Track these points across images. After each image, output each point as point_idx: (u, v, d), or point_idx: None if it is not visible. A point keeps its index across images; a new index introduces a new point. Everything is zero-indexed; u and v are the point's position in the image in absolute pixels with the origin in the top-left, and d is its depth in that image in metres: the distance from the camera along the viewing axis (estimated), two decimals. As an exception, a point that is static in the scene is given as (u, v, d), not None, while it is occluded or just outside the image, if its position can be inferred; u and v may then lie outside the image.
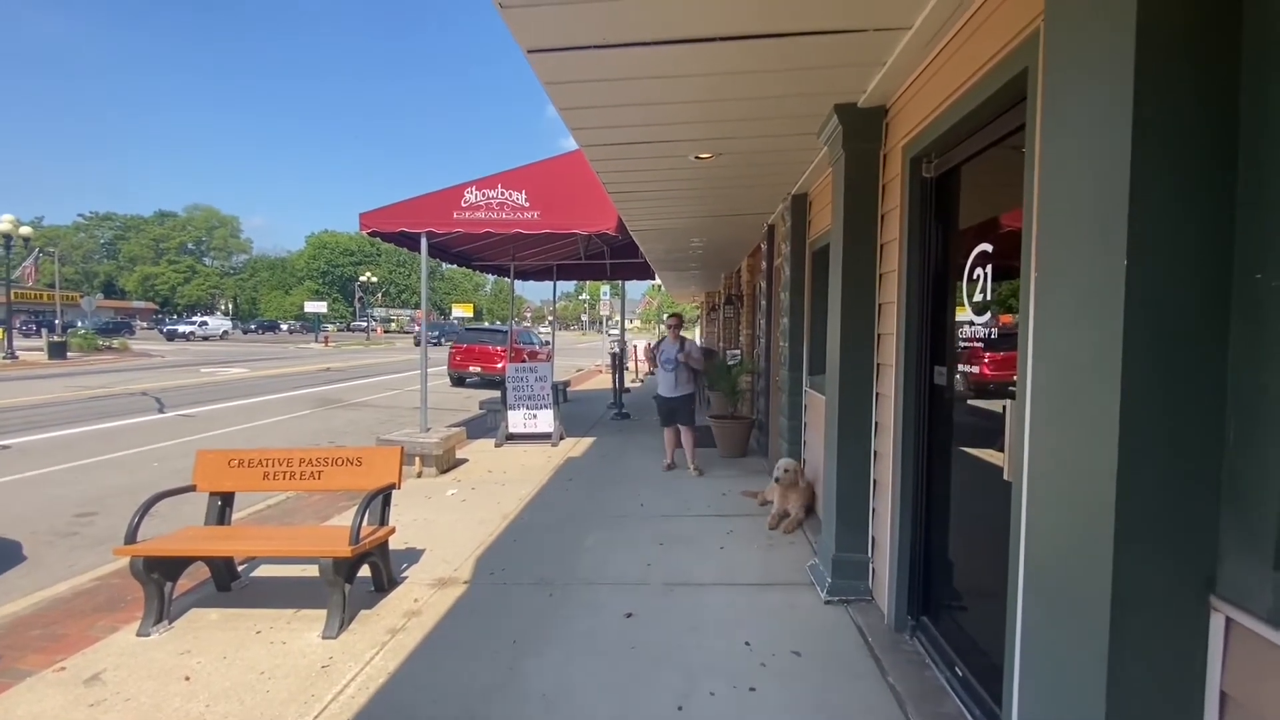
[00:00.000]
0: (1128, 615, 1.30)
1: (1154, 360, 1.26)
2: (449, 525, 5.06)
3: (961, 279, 2.71)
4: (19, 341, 25.51)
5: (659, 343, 7.08)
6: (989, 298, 2.50)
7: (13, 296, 24.38)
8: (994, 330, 2.50)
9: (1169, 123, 1.24)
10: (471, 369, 16.87)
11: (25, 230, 22.28)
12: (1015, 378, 2.09)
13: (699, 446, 6.96)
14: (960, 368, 2.78)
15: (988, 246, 2.53)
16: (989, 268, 2.51)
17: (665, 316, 7.48)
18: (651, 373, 7.36)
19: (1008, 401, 2.12)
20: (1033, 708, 1.64)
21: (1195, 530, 1.29)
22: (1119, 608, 1.29)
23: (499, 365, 15.59)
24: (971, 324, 2.64)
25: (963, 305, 2.72)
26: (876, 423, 3.54)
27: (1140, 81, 1.23)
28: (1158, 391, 1.27)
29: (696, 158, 4.36)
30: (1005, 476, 2.12)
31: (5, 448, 8.43)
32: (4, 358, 21.56)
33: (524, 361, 11.57)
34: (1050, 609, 1.54)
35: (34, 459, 7.77)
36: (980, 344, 2.59)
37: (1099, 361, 1.33)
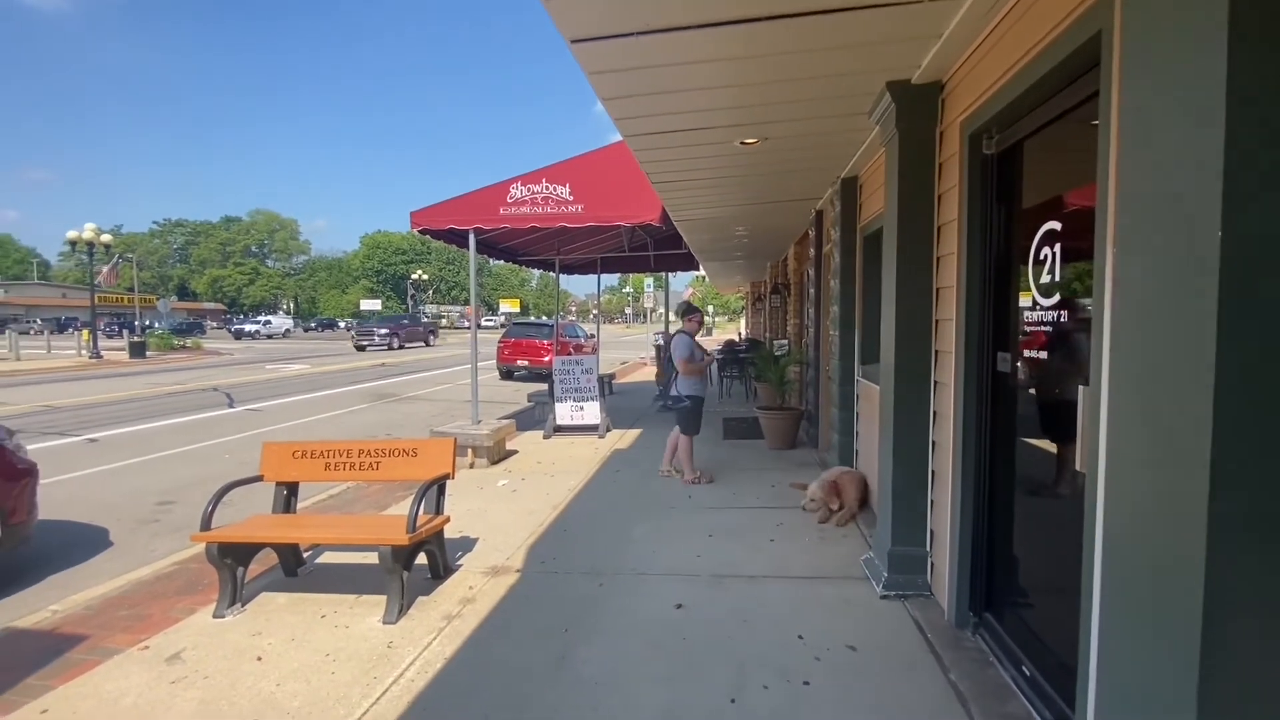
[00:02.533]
0: (1222, 614, 1.20)
1: (1252, 342, 1.16)
2: (501, 515, 5.16)
3: (1027, 261, 2.57)
4: (102, 342, 27.28)
5: (672, 336, 6.37)
6: (1057, 279, 2.37)
7: (96, 300, 26.06)
8: (1063, 314, 2.37)
9: (1270, 76, 1.13)
10: (519, 362, 17.15)
11: (106, 238, 23.78)
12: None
13: (735, 439, 6.52)
14: (1026, 353, 2.65)
15: (1056, 225, 2.39)
16: (1057, 248, 2.37)
17: (685, 310, 6.56)
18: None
19: (1080, 388, 2.00)
20: (1113, 710, 1.54)
21: (1300, 524, 1.18)
22: (1212, 606, 1.20)
23: (545, 359, 15.79)
24: (1039, 307, 2.50)
25: (1028, 288, 2.58)
26: (935, 412, 3.42)
27: (1235, 32, 1.12)
28: (1256, 376, 1.16)
29: (742, 143, 4.28)
30: (1078, 467, 2.01)
31: (93, 440, 9.04)
32: (90, 357, 23.13)
33: (570, 355, 11.69)
34: (1133, 608, 1.44)
35: (118, 451, 8.30)
36: (1048, 328, 2.45)
37: (1190, 344, 1.23)
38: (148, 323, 37.94)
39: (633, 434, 8.68)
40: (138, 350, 24.84)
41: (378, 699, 2.68)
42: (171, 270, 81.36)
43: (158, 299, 41.13)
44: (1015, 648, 2.71)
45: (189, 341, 31.97)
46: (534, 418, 9.77)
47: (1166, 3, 1.32)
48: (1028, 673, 2.57)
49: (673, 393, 6.07)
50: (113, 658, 3.06)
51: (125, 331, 31.52)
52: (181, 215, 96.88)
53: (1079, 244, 2.24)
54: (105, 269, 28.72)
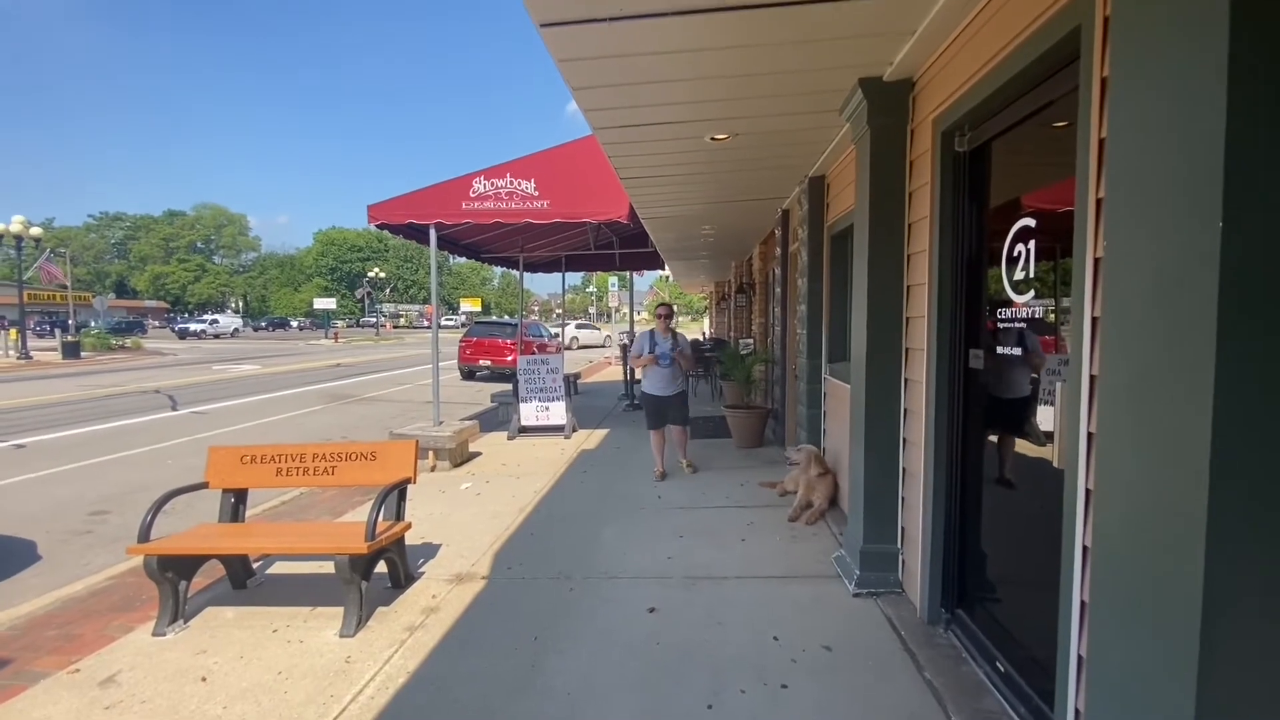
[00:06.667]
0: (1220, 612, 1.18)
1: (1253, 335, 1.14)
2: (465, 520, 4.99)
3: (1000, 258, 2.58)
4: (33, 342, 25.75)
5: (649, 335, 6.20)
6: (1032, 276, 2.37)
7: (26, 298, 24.54)
8: (1037, 310, 2.38)
9: (1272, 57, 1.10)
10: (481, 362, 16.83)
11: (36, 231, 22.42)
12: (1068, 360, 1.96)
13: (703, 438, 6.65)
14: (1000, 350, 2.65)
15: (1030, 222, 2.39)
16: (1032, 245, 2.37)
17: (656, 307, 6.43)
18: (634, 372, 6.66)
19: (1059, 385, 2.00)
20: (1103, 708, 1.52)
21: (1295, 520, 1.17)
22: (1211, 604, 1.18)
23: (509, 358, 15.53)
24: (1013, 304, 2.51)
25: (1002, 286, 2.58)
26: (906, 409, 3.42)
27: (1236, 10, 1.10)
28: (1257, 371, 1.15)
29: (712, 139, 4.23)
30: (1056, 464, 2.00)
31: (20, 447, 8.45)
32: (19, 358, 21.75)
33: (534, 354, 11.51)
34: (1124, 606, 1.43)
35: (48, 458, 7.78)
36: (1023, 325, 2.46)
37: (1188, 340, 1.21)
38: (83, 321, 35.91)
39: (600, 434, 8.57)
40: (71, 350, 23.51)
41: (335, 719, 2.52)
42: (109, 266, 77.16)
43: (94, 296, 38.91)
44: (988, 644, 2.72)
45: (128, 341, 30.35)
46: (498, 418, 9.56)
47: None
48: (1001, 669, 2.57)
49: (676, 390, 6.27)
50: (40, 682, 2.81)
51: (58, 330, 29.76)
52: (120, 209, 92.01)
53: (1055, 241, 2.25)
54: (44, 263, 27.02)
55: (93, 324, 35.05)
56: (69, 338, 24.55)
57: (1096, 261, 1.69)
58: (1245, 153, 1.12)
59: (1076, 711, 1.82)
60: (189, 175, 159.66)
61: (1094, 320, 1.72)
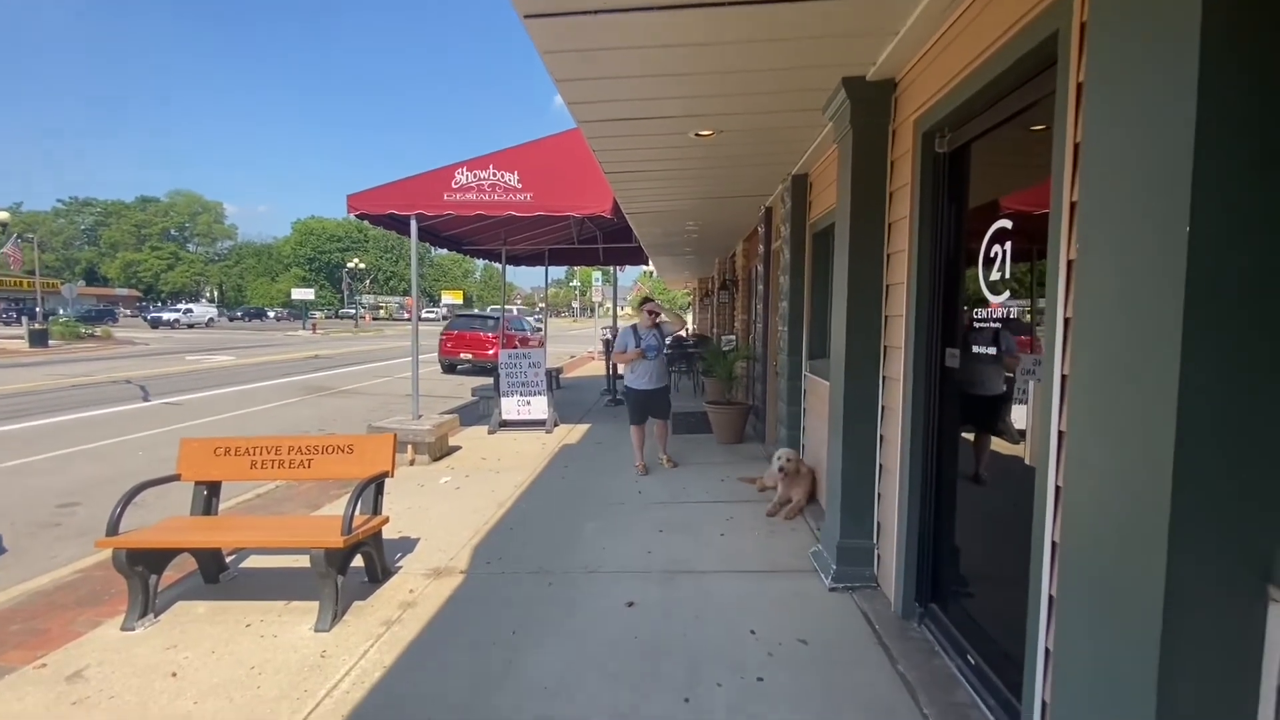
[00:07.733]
0: (1181, 607, 1.22)
1: (1217, 338, 1.17)
2: (443, 514, 4.96)
3: (977, 258, 2.61)
4: (-2, 329, 25.00)
5: (632, 330, 6.22)
6: (1007, 277, 2.41)
7: (-9, 283, 23.83)
8: (1012, 310, 2.42)
9: (1241, 69, 1.13)
10: (463, 355, 16.70)
11: (2, 216, 21.78)
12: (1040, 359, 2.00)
13: (684, 433, 6.65)
14: (975, 349, 2.69)
15: (1006, 224, 2.43)
16: (1008, 246, 2.41)
17: (641, 302, 6.52)
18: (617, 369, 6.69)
19: (1031, 384, 2.04)
20: (1069, 699, 1.56)
21: (1254, 520, 1.21)
22: (1172, 600, 1.21)
23: (490, 352, 15.43)
24: (988, 304, 2.55)
25: (978, 286, 2.62)
26: (883, 407, 3.46)
27: (1208, 24, 1.13)
28: (1220, 372, 1.18)
29: (697, 135, 4.23)
30: (1027, 461, 2.04)
31: (-16, 437, 8.22)
32: (-17, 346, 21.13)
33: (516, 348, 11.45)
34: (1089, 600, 1.46)
35: (14, 448, 7.57)
36: (998, 324, 2.50)
37: (1155, 341, 1.24)
38: (51, 309, 34.94)
39: (581, 429, 8.56)
40: (39, 339, 22.88)
41: (309, 714, 2.49)
42: (79, 253, 75.02)
43: (62, 283, 37.84)
44: (960, 637, 2.77)
45: (98, 330, 29.57)
46: (478, 412, 9.51)
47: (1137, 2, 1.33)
48: (973, 662, 2.62)
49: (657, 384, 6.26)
50: (4, 677, 2.75)
51: (25, 318, 28.93)
52: (91, 194, 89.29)
53: (1030, 243, 2.28)
54: (10, 248, 26.26)
55: (61, 312, 34.12)
56: (36, 325, 23.87)
57: (1070, 263, 1.73)
58: (1212, 158, 1.15)
59: (1044, 703, 1.87)
60: (165, 162, 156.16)
61: (1067, 320, 1.75)
